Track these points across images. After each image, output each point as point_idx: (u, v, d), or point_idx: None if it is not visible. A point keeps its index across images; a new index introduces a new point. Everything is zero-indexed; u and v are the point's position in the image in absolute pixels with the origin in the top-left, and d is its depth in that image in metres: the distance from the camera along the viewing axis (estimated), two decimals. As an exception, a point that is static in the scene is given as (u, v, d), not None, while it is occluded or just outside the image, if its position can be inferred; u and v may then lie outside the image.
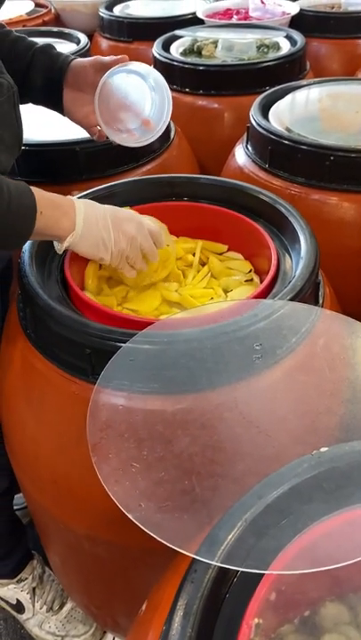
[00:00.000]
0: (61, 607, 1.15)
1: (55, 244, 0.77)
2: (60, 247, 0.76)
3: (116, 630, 1.08)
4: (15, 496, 1.13)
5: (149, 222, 0.83)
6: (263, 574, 0.44)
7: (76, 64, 0.91)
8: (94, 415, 0.57)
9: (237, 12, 2.03)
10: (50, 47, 0.94)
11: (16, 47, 0.91)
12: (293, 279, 0.74)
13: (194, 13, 1.96)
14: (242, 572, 0.44)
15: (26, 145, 1.08)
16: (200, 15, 1.94)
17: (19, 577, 1.15)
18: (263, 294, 0.74)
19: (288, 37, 1.69)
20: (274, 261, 0.79)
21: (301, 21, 1.88)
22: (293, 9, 1.91)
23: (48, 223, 0.72)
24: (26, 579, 1.16)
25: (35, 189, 0.72)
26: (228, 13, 2.04)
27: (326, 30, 1.86)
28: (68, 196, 0.78)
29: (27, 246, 0.80)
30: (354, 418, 0.56)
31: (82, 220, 0.74)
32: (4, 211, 0.67)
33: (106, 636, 1.15)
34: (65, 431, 0.73)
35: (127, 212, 0.81)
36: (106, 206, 0.79)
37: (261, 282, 0.80)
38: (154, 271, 0.85)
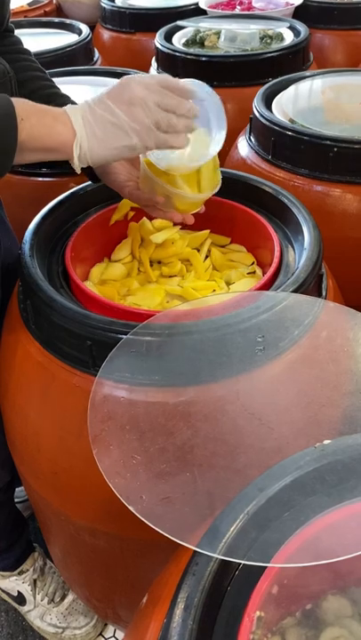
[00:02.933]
0: (63, 599, 1.16)
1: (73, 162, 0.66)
2: (75, 161, 0.65)
3: (118, 622, 1.08)
4: (16, 489, 1.13)
5: (155, 73, 0.71)
6: (265, 567, 0.44)
7: None
8: (95, 407, 0.56)
9: (240, 3, 2.01)
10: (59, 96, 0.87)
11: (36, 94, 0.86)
12: (296, 271, 0.73)
13: (196, 4, 1.95)
14: (244, 564, 0.44)
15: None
16: (203, 6, 1.92)
17: (20, 569, 1.15)
18: (266, 286, 0.74)
19: (292, 28, 1.67)
20: (277, 253, 0.79)
21: (305, 12, 1.87)
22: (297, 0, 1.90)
23: (37, 132, 0.62)
24: (27, 571, 1.16)
25: (18, 99, 0.63)
26: (230, 4, 2.03)
27: (330, 21, 1.85)
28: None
29: (27, 237, 0.80)
30: (357, 410, 0.55)
31: (80, 119, 0.64)
32: None
33: (107, 627, 1.15)
34: (66, 423, 0.72)
35: (123, 78, 0.67)
36: (96, 97, 0.66)
37: (264, 274, 0.80)
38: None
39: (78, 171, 0.68)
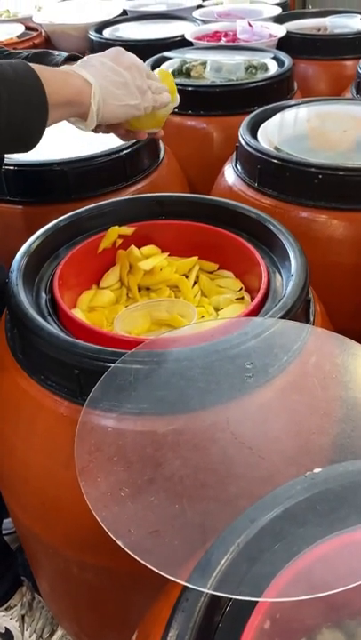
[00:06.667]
0: (52, 635, 1.12)
1: (82, 123, 0.69)
2: (93, 111, 0.66)
3: (108, 659, 1.05)
4: (4, 520, 1.11)
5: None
6: (257, 602, 0.43)
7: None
8: (82, 438, 0.55)
9: (225, 35, 2.06)
10: (46, 53, 0.90)
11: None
12: (284, 297, 0.74)
13: (182, 36, 1.99)
14: (235, 599, 0.43)
15: (15, 165, 1.09)
16: (189, 37, 1.96)
17: (7, 604, 1.12)
18: (254, 312, 0.74)
19: (276, 59, 1.71)
20: (264, 279, 0.79)
21: (288, 43, 1.91)
22: (280, 31, 1.94)
23: (56, 86, 0.63)
24: (15, 606, 1.12)
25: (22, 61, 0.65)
26: (216, 36, 2.07)
27: (313, 52, 1.89)
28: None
29: (15, 265, 0.80)
30: (347, 437, 0.55)
31: (89, 75, 0.66)
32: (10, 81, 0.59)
33: (97, 664, 1.11)
34: (54, 453, 0.71)
35: (114, 48, 0.73)
36: (92, 56, 0.71)
37: (252, 300, 0.80)
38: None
39: (94, 125, 0.70)
